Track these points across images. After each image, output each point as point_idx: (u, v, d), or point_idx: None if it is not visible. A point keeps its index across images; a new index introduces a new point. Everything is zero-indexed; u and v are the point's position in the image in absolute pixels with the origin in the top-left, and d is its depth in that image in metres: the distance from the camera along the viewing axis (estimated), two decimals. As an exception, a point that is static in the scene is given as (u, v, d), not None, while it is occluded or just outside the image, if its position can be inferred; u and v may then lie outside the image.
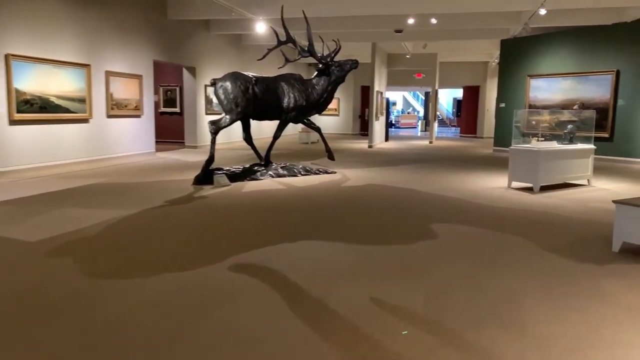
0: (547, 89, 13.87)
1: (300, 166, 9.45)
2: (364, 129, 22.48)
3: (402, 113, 37.07)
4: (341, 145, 17.12)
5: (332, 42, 9.28)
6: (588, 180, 8.42)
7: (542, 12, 10.67)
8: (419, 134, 26.37)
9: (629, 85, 12.12)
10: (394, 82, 22.15)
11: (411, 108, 40.37)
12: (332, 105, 24.12)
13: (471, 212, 6.21)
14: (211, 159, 8.12)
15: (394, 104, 36.45)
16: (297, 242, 4.64)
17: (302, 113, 9.12)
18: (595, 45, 12.80)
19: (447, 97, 36.11)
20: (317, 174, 9.26)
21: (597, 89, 12.72)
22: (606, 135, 12.17)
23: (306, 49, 8.90)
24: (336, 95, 23.92)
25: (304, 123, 9.54)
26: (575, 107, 12.60)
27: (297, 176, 8.93)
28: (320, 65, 9.05)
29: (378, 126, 17.60)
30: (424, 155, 13.79)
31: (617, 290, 3.51)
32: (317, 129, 9.66)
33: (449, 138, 22.45)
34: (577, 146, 8.32)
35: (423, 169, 10.64)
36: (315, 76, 9.18)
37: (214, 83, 8.43)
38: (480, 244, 4.68)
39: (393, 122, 32.02)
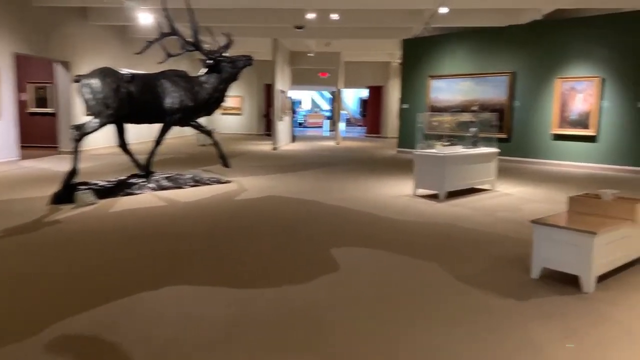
0: (447, 89, 13.84)
1: (189, 176, 8.31)
2: (270, 128, 21.55)
3: (309, 112, 36.62)
4: (243, 147, 16.05)
5: (229, 37, 8.23)
6: (492, 184, 8.18)
7: (443, 10, 10.43)
8: (326, 133, 25.97)
9: (525, 87, 12.33)
10: (299, 81, 21.45)
11: (318, 108, 40.10)
12: (235, 104, 22.92)
13: (377, 230, 5.52)
14: (74, 171, 6.75)
15: (300, 103, 35.89)
16: (159, 288, 3.60)
17: (189, 115, 7.99)
18: (492, 47, 12.92)
19: (354, 97, 36.24)
20: (208, 184, 8.17)
21: (494, 90, 12.84)
22: (504, 136, 12.30)
23: (191, 41, 7.79)
24: (239, 93, 23.21)
25: (191, 126, 8.41)
26: (475, 108, 12.64)
27: (183, 188, 7.79)
28: (208, 61, 7.98)
29: (283, 127, 16.76)
30: (330, 158, 13.15)
31: (550, 337, 2.91)
32: (208, 133, 8.57)
33: (355, 138, 22.19)
34: (483, 150, 8.03)
35: (328, 174, 9.94)
36: (204, 73, 8.10)
37: (77, 80, 7.07)
38: (387, 279, 3.95)
39: (300, 121, 31.41)
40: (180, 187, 7.77)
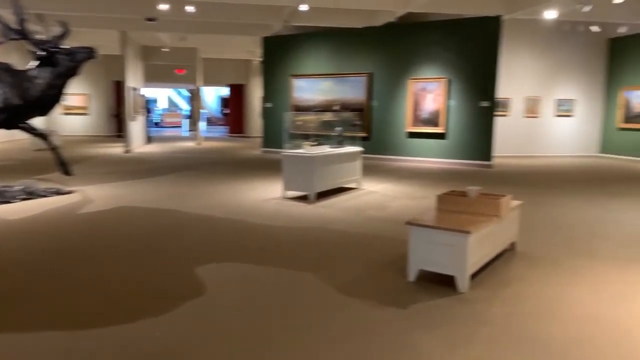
0: (309, 89, 13.85)
1: (19, 187, 7.02)
2: (121, 129, 19.74)
3: (166, 111, 34.60)
4: (90, 150, 14.37)
5: (64, 26, 7.07)
6: (358, 182, 8.24)
7: (303, 8, 10.30)
8: (186, 134, 24.66)
9: (381, 87, 12.82)
10: (154, 77, 19.92)
11: (176, 106, 38.12)
12: (81, 103, 20.61)
13: (247, 239, 5.09)
14: None
15: (156, 102, 33.75)
16: (-34, 342, 2.76)
17: (17, 115, 6.74)
18: (351, 48, 13.20)
19: (214, 95, 35.10)
20: (44, 196, 6.97)
21: (354, 90, 13.15)
22: (365, 134, 12.66)
23: (16, 28, 6.57)
24: (85, 91, 20.94)
25: (22, 128, 7.12)
26: (336, 107, 12.82)
27: (12, 202, 6.52)
28: (40, 53, 6.80)
29: (136, 127, 15.38)
30: (191, 161, 12.32)
31: (436, 346, 2.75)
32: (43, 136, 7.33)
33: (217, 138, 21.36)
34: (349, 149, 8.03)
35: (189, 178, 9.20)
36: (36, 67, 6.88)
37: None
38: (261, 300, 3.54)
39: (157, 121, 29.47)
40: (7, 202, 6.49)
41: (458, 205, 4.13)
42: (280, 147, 7.69)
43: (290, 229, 5.49)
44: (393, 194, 7.82)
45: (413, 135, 12.44)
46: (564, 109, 14.49)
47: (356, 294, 3.55)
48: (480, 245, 3.74)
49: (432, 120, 12.16)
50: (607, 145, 14.46)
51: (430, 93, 12.20)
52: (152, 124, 23.37)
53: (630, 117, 13.74)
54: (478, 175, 10.15)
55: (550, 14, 10.10)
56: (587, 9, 9.33)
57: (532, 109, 14.23)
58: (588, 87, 14.50)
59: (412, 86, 12.32)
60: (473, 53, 11.58)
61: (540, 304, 3.41)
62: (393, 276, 3.93)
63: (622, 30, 12.04)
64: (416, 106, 12.35)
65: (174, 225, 5.65)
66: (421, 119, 12.35)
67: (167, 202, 6.83)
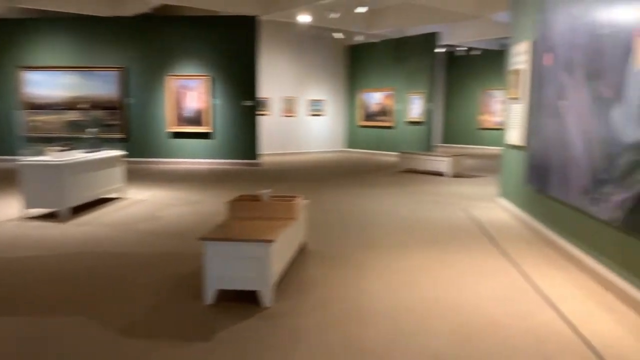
0: (48, 84, 11.69)
1: None
2: None
3: None
4: None
5: None
6: (122, 191, 7.19)
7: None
8: None
9: (138, 83, 11.66)
10: None
11: None
12: None
13: (-26, 280, 3.77)
14: None
15: None
16: None
17: None
18: (100, 38, 11.60)
19: None
20: None
21: (106, 86, 11.63)
22: (123, 136, 11.35)
23: None
24: None
25: None
26: (85, 105, 11.17)
27: None
28: None
29: None
30: None
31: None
32: None
33: None
34: (106, 153, 6.90)
35: None
36: None
37: None
38: (9, 360, 2.55)
39: None
40: None
41: (252, 210, 3.79)
42: (13, 154, 6.11)
43: (40, 259, 4.32)
44: (164, 201, 7.07)
45: (177, 135, 11.69)
46: (315, 109, 15.68)
47: (146, 335, 2.87)
48: (280, 252, 3.46)
49: (196, 120, 11.63)
50: (351, 141, 16.22)
51: (192, 91, 11.64)
52: None
53: (368, 116, 15.69)
54: (246, 174, 10.08)
55: (304, 18, 10.66)
56: (334, 15, 10.15)
57: (289, 109, 14.97)
58: (334, 89, 16.00)
59: (172, 83, 11.54)
60: (233, 52, 11.47)
61: (346, 306, 3.32)
62: (186, 302, 3.35)
63: (360, 39, 13.59)
64: (178, 104, 11.63)
65: None
66: (184, 118, 11.69)
67: None
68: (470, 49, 16.11)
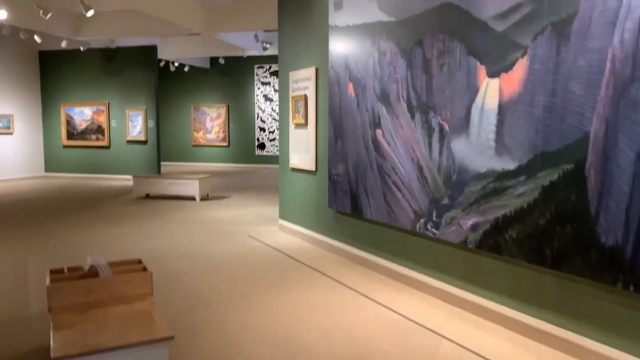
0: None
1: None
2: None
3: None
4: None
5: None
6: None
7: None
8: None
9: None
10: None
11: None
12: None
13: None
14: None
15: None
16: None
17: None
18: None
19: None
20: None
21: None
22: None
23: None
24: None
25: None
26: None
27: None
28: None
29: None
30: None
31: None
32: None
33: None
34: None
35: None
36: None
37: None
38: None
39: None
40: None
41: (92, 293, 2.62)
42: None
43: None
44: None
45: None
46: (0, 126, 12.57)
47: None
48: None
49: None
50: (53, 164, 13.67)
51: None
52: None
53: (76, 135, 13.49)
54: None
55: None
56: (46, 17, 8.27)
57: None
58: (26, 102, 13.18)
59: None
60: None
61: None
62: None
63: (64, 45, 11.50)
64: None
65: None
66: None
67: None
68: (182, 64, 15.79)
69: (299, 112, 6.03)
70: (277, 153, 17.32)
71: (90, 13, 7.94)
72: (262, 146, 17.42)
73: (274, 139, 17.34)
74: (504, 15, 3.36)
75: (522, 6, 3.21)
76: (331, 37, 5.23)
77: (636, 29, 2.60)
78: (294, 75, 6.17)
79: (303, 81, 5.94)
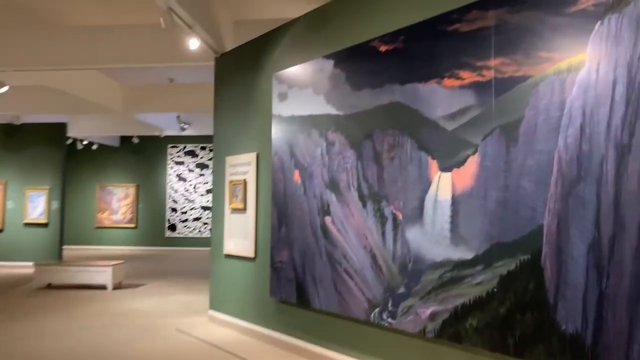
0: None
1: None
2: None
3: None
4: None
5: None
6: None
7: None
8: None
9: None
10: None
11: None
12: None
13: None
14: None
15: None
16: None
17: None
18: None
19: None
20: None
21: None
22: None
23: None
24: None
25: None
26: None
27: None
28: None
29: None
30: None
31: None
32: None
33: None
34: None
35: None
36: None
37: None
38: None
39: None
40: None
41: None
42: None
43: None
44: None
45: None
46: None
47: None
48: None
49: None
50: None
51: None
52: None
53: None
54: None
55: None
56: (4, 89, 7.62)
57: None
58: None
59: None
60: None
61: None
62: None
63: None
64: None
65: None
66: None
67: None
68: (90, 142, 15.06)
69: (236, 196, 5.93)
70: (189, 235, 16.75)
71: (3, 89, 7.42)
72: (172, 227, 16.73)
73: (185, 220, 16.76)
74: (452, 116, 3.67)
75: (470, 109, 3.54)
76: (274, 125, 5.32)
77: (578, 135, 2.96)
78: (231, 160, 6.12)
79: (242, 166, 5.91)
